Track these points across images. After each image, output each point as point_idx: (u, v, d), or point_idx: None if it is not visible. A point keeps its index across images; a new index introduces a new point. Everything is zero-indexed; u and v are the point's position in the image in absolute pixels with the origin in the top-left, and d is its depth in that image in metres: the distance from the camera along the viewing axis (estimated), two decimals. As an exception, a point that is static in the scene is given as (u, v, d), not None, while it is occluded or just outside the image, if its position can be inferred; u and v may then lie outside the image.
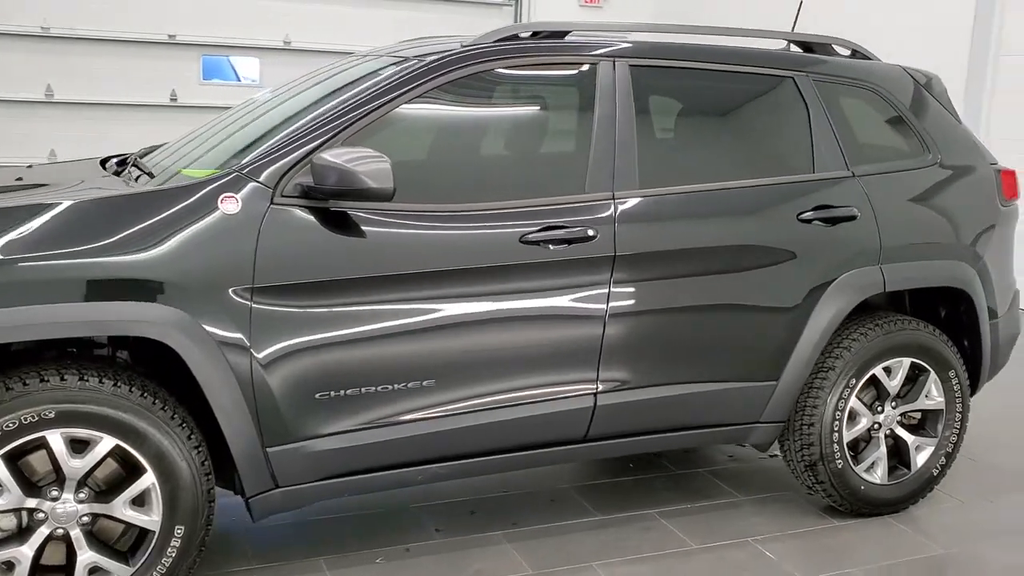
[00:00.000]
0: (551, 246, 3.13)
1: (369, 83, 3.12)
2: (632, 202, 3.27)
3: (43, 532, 2.71)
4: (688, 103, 3.61)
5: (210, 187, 2.84)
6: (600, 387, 3.30)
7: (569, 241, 3.15)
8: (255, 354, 2.81)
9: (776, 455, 4.04)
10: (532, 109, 3.42)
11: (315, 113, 3.05)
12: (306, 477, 2.99)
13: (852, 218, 3.59)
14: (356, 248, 2.92)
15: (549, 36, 3.38)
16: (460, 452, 3.18)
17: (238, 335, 2.79)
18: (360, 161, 2.76)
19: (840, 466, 3.68)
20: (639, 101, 3.36)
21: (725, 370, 3.49)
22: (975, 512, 3.94)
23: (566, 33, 3.40)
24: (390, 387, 3.01)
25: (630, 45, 3.42)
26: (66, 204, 2.76)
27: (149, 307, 2.70)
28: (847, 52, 3.95)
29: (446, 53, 3.17)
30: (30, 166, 3.74)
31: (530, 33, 3.37)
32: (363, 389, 2.98)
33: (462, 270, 3.04)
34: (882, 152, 3.77)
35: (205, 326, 2.74)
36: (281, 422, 2.90)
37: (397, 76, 3.10)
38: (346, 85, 3.27)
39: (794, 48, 3.92)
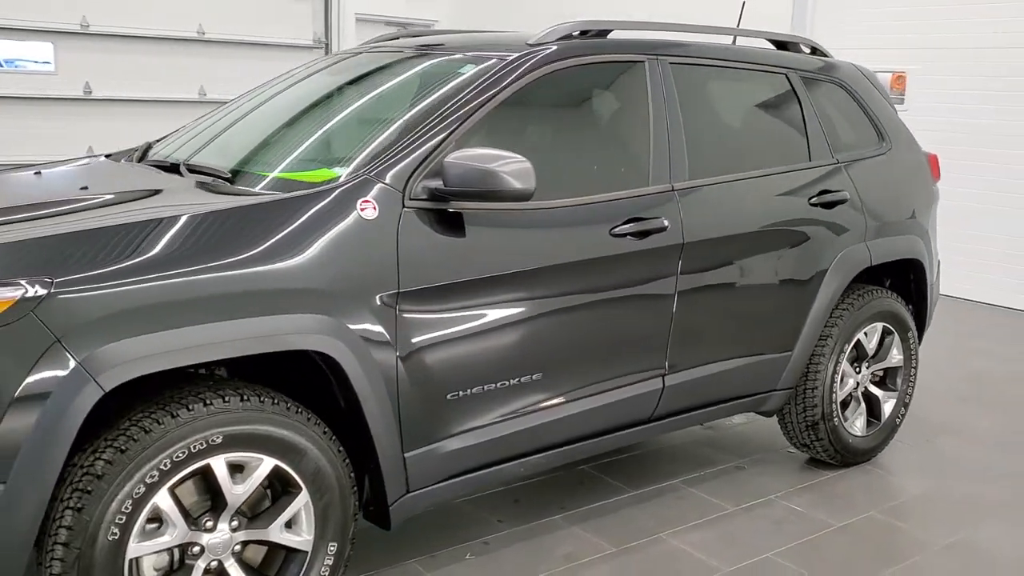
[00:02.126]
0: (633, 238, 3.28)
1: (463, 83, 3.11)
2: (689, 193, 3.49)
3: (200, 567, 2.55)
4: (712, 98, 3.86)
5: (342, 192, 2.75)
6: (667, 369, 3.50)
7: (649, 232, 3.32)
8: (400, 360, 2.77)
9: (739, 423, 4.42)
10: (602, 105, 3.53)
11: (415, 115, 3.01)
12: (433, 479, 2.98)
13: (845, 201, 4.00)
14: (478, 249, 2.93)
15: (596, 35, 3.51)
16: (560, 441, 3.28)
17: (386, 342, 2.74)
18: (500, 162, 2.77)
19: (836, 423, 4.12)
20: (680, 97, 3.57)
21: (757, 344, 3.80)
22: (924, 452, 4.53)
23: (608, 32, 3.54)
24: (506, 383, 3.06)
25: (669, 44, 3.62)
26: (186, 217, 2.57)
27: (311, 319, 2.59)
28: (807, 50, 4.36)
29: (533, 52, 3.22)
30: (39, 173, 3.35)
31: (579, 32, 3.48)
32: (485, 387, 3.01)
33: (564, 264, 3.13)
34: (852, 141, 4.22)
35: (358, 335, 2.67)
36: (419, 426, 2.87)
37: (491, 75, 3.11)
38: (410, 84, 3.25)
39: (768, 45, 4.28)
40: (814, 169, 3.97)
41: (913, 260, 4.33)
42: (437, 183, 2.83)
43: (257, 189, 2.85)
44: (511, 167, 2.77)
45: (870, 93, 4.38)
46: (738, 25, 4.62)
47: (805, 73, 4.10)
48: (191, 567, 2.54)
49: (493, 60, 3.21)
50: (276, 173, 2.99)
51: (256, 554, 2.70)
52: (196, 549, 2.53)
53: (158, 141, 3.89)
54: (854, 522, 3.77)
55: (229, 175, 3.01)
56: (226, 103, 4.00)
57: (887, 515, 3.85)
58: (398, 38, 4.19)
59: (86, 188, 2.92)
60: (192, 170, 3.12)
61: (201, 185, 2.94)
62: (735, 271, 3.64)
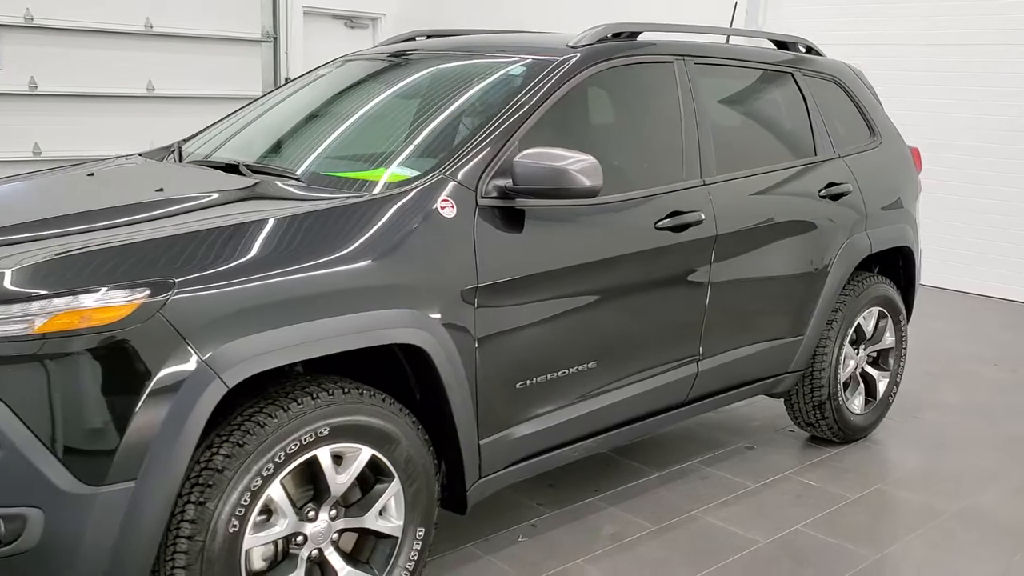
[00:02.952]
0: (674, 231, 3.45)
1: (520, 83, 3.23)
2: (718, 186, 3.67)
3: (304, 556, 2.63)
4: (730, 96, 4.05)
5: (422, 191, 2.85)
6: (701, 355, 3.69)
7: (687, 225, 3.49)
8: (478, 352, 2.89)
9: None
10: (639, 104, 3.66)
11: (480, 115, 3.12)
12: (502, 464, 3.11)
13: (848, 193, 4.25)
14: (541, 244, 3.06)
15: (628, 36, 3.66)
16: (610, 425, 3.44)
17: (467, 334, 2.85)
18: (569, 160, 2.90)
19: (840, 402, 4.37)
20: (704, 96, 3.76)
21: (775, 329, 4.02)
22: (912, 427, 4.83)
23: (638, 33, 3.70)
24: (566, 372, 3.20)
25: (693, 45, 3.80)
26: (287, 217, 2.64)
27: (404, 313, 2.69)
28: (803, 49, 4.59)
29: (581, 53, 3.34)
30: (91, 175, 3.35)
31: (611, 34, 3.63)
32: (548, 376, 3.14)
33: (616, 257, 3.28)
34: (849, 136, 4.46)
35: (444, 328, 2.78)
36: (493, 414, 3.00)
37: (546, 76, 3.23)
38: (461, 84, 3.36)
39: (769, 45, 4.49)
40: (820, 163, 4.20)
41: (904, 247, 4.60)
42: (506, 181, 2.95)
43: (333, 189, 2.93)
44: (581, 165, 2.89)
45: (861, 89, 4.64)
46: (731, 24, 4.84)
47: (807, 71, 4.33)
48: (295, 557, 2.62)
49: (545, 61, 3.32)
50: (346, 173, 3.07)
51: (348, 542, 2.79)
52: (300, 539, 2.62)
53: (188, 140, 3.92)
54: (866, 494, 4.02)
55: (298, 176, 3.08)
56: (255, 100, 4.03)
57: (895, 487, 4.11)
58: (414, 39, 4.27)
59: (161, 190, 2.96)
60: (256, 171, 3.17)
61: (277, 186, 3.00)
62: (758, 260, 3.84)
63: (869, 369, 4.59)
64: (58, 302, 2.24)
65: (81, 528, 2.24)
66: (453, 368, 2.81)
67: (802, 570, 3.37)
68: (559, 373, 3.17)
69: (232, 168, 3.25)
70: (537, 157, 2.91)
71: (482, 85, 3.33)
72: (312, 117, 3.59)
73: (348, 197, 2.81)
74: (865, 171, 4.40)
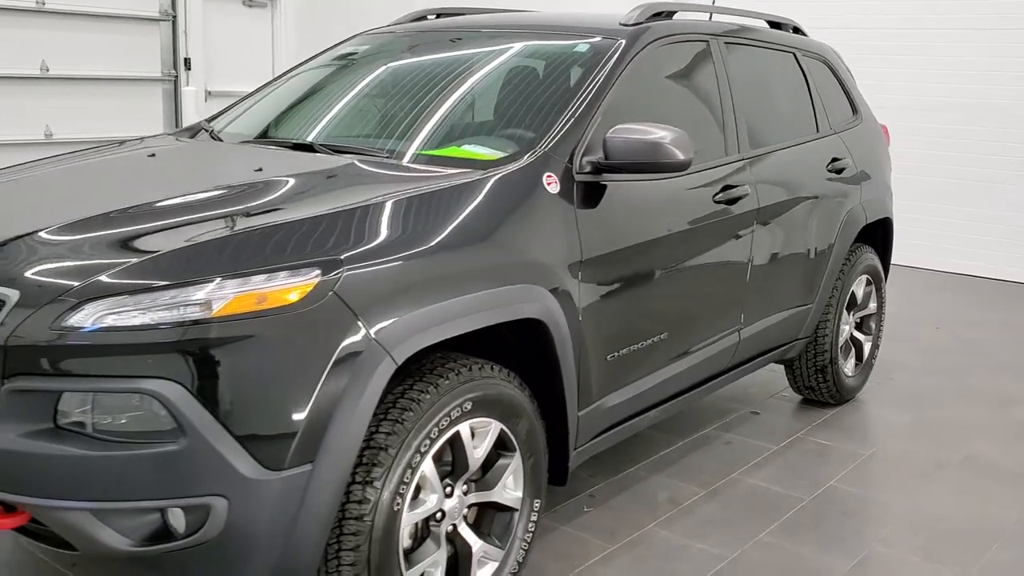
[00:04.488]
0: (727, 204, 3.59)
1: (593, 61, 3.28)
2: (756, 161, 3.83)
3: (443, 531, 2.64)
4: (752, 76, 4.20)
5: (530, 168, 2.87)
6: (742, 323, 3.85)
7: (737, 198, 3.64)
8: (582, 326, 2.95)
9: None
10: (686, 81, 3.75)
11: (566, 92, 3.16)
12: (592, 435, 3.18)
13: (847, 167, 4.49)
14: (626, 219, 3.14)
15: (666, 16, 3.76)
16: (674, 393, 3.55)
17: (574, 309, 2.90)
18: (662, 134, 2.97)
19: (838, 366, 4.63)
20: (736, 74, 3.91)
21: (793, 298, 4.22)
22: (891, 387, 5.16)
23: (674, 13, 3.81)
24: (644, 343, 3.29)
25: (723, 26, 3.94)
26: (410, 198, 2.63)
27: (530, 288, 2.73)
28: (791, 30, 4.80)
29: (640, 31, 3.41)
30: (152, 155, 3.20)
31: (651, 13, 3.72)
32: (631, 347, 3.23)
33: (684, 231, 3.39)
34: (839, 113, 4.71)
35: (558, 303, 2.82)
36: (589, 386, 3.06)
37: (614, 53, 3.29)
38: (528, 62, 3.39)
39: (763, 24, 4.68)
40: (824, 139, 4.42)
41: (887, 218, 4.90)
42: (597, 157, 3.00)
43: (431, 168, 2.91)
44: (674, 138, 2.97)
45: (844, 69, 4.89)
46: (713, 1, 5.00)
47: (804, 52, 4.54)
48: (435, 534, 2.62)
49: (610, 40, 3.38)
50: (440, 151, 3.05)
51: (471, 516, 2.80)
52: (439, 515, 2.62)
53: (213, 120, 3.79)
54: (877, 450, 4.29)
55: (385, 155, 3.04)
56: (280, 78, 3.94)
57: (899, 442, 4.40)
58: (425, 17, 4.25)
59: (261, 170, 2.87)
60: (336, 150, 3.11)
61: (377, 165, 2.96)
62: (785, 232, 4.03)
63: (856, 333, 4.87)
64: (234, 284, 2.17)
65: (261, 516, 2.19)
66: (564, 343, 2.85)
67: (851, 522, 3.58)
68: (639, 344, 3.26)
69: (305, 147, 3.18)
70: (629, 132, 2.97)
71: (552, 64, 3.37)
72: (368, 95, 3.53)
73: (464, 174, 2.80)
74: (855, 146, 4.65)
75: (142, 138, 3.68)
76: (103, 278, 2.18)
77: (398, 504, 2.41)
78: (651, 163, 2.97)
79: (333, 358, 2.23)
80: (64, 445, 2.10)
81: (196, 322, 2.12)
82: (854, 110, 4.84)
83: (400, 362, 2.34)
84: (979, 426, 4.62)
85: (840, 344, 4.63)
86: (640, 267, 3.18)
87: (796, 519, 3.58)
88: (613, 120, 3.10)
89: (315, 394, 2.21)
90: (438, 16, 4.28)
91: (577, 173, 2.97)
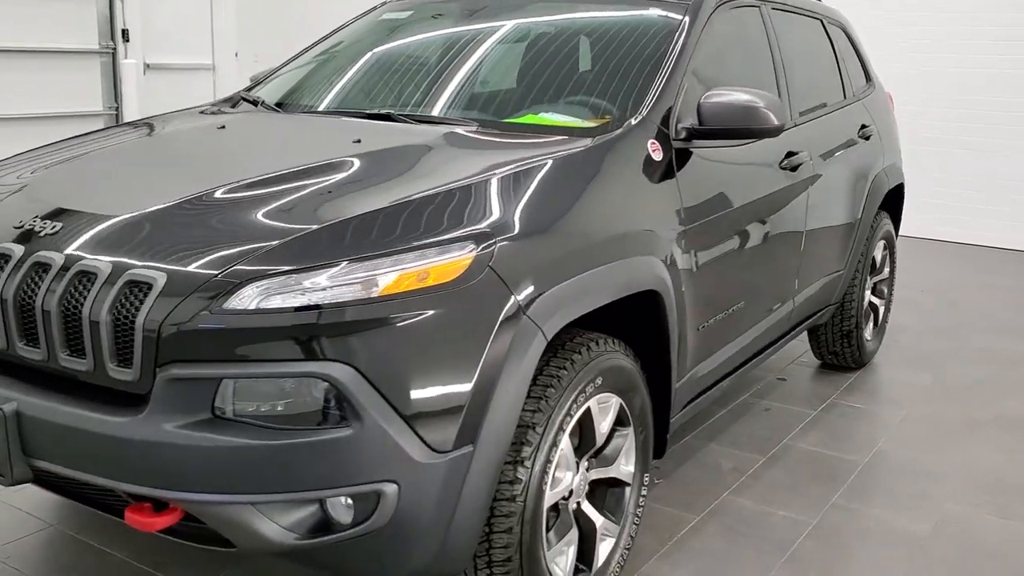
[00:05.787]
0: (791, 171, 3.58)
1: (672, 27, 3.21)
2: (805, 128, 3.83)
3: (571, 508, 2.59)
4: (792, 42, 4.19)
5: (634, 136, 2.81)
6: (796, 291, 3.87)
7: (799, 165, 3.64)
8: (683, 297, 2.90)
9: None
10: (744, 46, 3.69)
11: (653, 58, 3.09)
12: (681, 406, 3.14)
13: (872, 134, 4.54)
14: (715, 186, 3.11)
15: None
16: (743, 361, 3.54)
17: (678, 279, 2.85)
18: (757, 99, 2.93)
19: (863, 330, 4.70)
20: (780, 40, 3.90)
21: (831, 264, 4.26)
22: (899, 349, 5.26)
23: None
24: (727, 312, 3.27)
25: (766, -9, 3.92)
26: (529, 169, 2.53)
27: (649, 259, 2.67)
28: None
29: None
30: (223, 127, 3.01)
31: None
32: (717, 317, 3.20)
33: (760, 199, 3.37)
34: (858, 80, 4.75)
35: (669, 273, 2.77)
36: (686, 357, 3.03)
37: (692, 18, 3.23)
38: (602, 27, 3.31)
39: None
40: (851, 105, 4.46)
41: (901, 184, 4.98)
42: (691, 122, 2.95)
43: (531, 136, 2.82)
44: (768, 103, 2.93)
45: (857, 37, 4.93)
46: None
47: (828, 19, 4.56)
48: (564, 512, 2.56)
49: (682, 5, 3.31)
50: (522, 119, 2.96)
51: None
52: (568, 492, 2.56)
53: (251, 90, 3.62)
54: (910, 412, 4.37)
55: (477, 124, 2.94)
56: (316, 47, 3.77)
57: (928, 404, 4.48)
58: None
59: (359, 141, 2.73)
60: (418, 120, 3.00)
61: (475, 135, 2.85)
62: (831, 199, 4.05)
63: (872, 298, 4.95)
64: (397, 261, 2.07)
65: (428, 501, 2.10)
66: (673, 312, 2.81)
67: (913, 483, 3.64)
68: (723, 314, 3.24)
69: (380, 117, 3.05)
70: (723, 96, 2.92)
71: (625, 29, 3.29)
72: (432, 63, 3.39)
73: (568, 142, 2.71)
74: (875, 113, 4.70)
75: (182, 110, 3.49)
76: (259, 257, 2.05)
77: (545, 483, 2.34)
78: (746, 128, 2.93)
79: (492, 335, 2.14)
80: (227, 435, 1.96)
81: (363, 301, 2.01)
82: (867, 77, 4.89)
83: (550, 337, 2.26)
84: (999, 385, 4.76)
85: (864, 309, 4.70)
86: (725, 236, 3.15)
87: (860, 482, 3.62)
88: (696, 85, 3.05)
89: (477, 373, 2.12)
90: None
91: (674, 140, 2.91)
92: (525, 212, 2.33)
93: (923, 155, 8.33)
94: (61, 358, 2.11)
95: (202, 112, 3.40)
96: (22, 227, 2.29)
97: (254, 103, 3.45)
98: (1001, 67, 8.13)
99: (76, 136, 3.12)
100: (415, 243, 2.11)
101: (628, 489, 2.79)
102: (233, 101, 3.56)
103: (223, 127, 3.01)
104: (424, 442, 2.06)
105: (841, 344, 4.68)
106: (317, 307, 1.98)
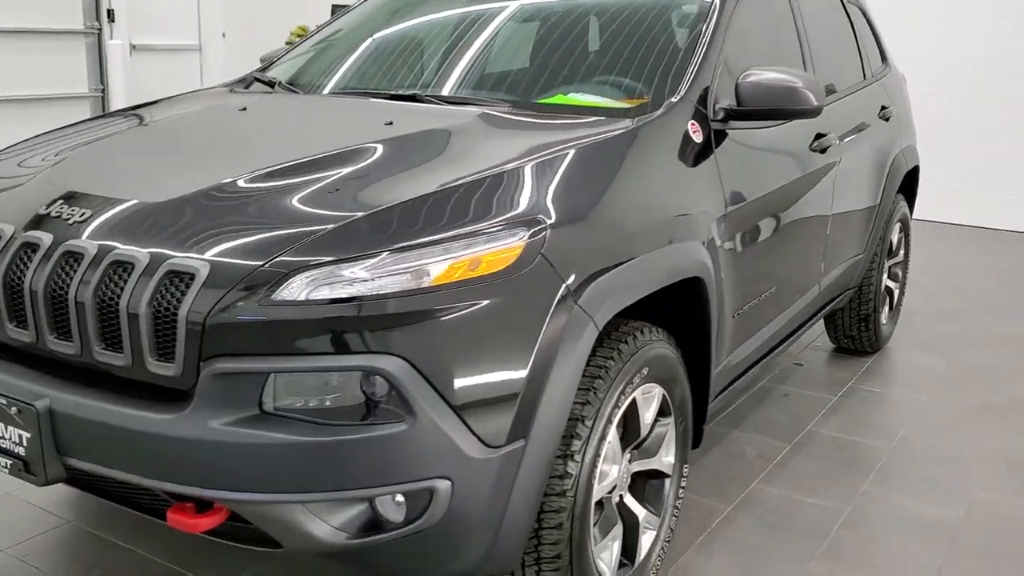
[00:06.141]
0: (820, 152, 3.51)
1: (704, 7, 3.12)
2: (831, 109, 3.75)
3: (614, 501, 2.52)
4: (814, 20, 4.10)
5: (674, 116, 2.73)
6: (822, 273, 3.80)
7: (828, 147, 3.56)
8: (722, 283, 2.83)
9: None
10: (771, 25, 3.61)
11: (688, 38, 3.01)
12: (715, 394, 3.08)
13: (892, 115, 4.48)
14: (752, 169, 3.03)
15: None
16: (771, 348, 3.48)
17: (718, 265, 2.77)
18: (794, 79, 2.85)
19: (879, 314, 4.65)
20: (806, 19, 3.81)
21: (852, 248, 4.20)
22: (911, 332, 5.22)
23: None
24: (760, 298, 3.20)
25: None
26: (573, 152, 2.45)
27: (694, 245, 2.60)
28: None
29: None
30: (244, 109, 2.90)
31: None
32: (751, 303, 3.13)
33: (794, 181, 3.30)
34: (875, 60, 4.68)
35: (710, 258, 2.70)
36: (722, 345, 2.96)
37: None
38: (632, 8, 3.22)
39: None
40: (871, 85, 4.39)
41: (917, 166, 4.92)
42: (728, 103, 2.87)
43: (564, 116, 2.74)
44: (807, 83, 2.85)
45: (872, 16, 4.86)
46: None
47: (844, -4, 4.48)
48: (607, 505, 2.49)
49: None
50: (553, 99, 2.87)
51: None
52: (612, 485, 2.49)
53: (265, 71, 3.51)
54: (932, 396, 4.33)
55: (508, 105, 2.85)
56: (330, 26, 3.66)
57: (945, 388, 4.44)
58: None
59: (391, 124, 2.63)
60: (445, 100, 2.90)
61: (509, 115, 2.76)
62: (855, 181, 3.99)
63: (887, 281, 4.90)
64: (449, 248, 1.98)
65: (481, 498, 2.02)
66: (715, 299, 2.74)
67: (939, 468, 3.59)
68: (756, 300, 3.17)
69: (406, 98, 2.95)
70: (762, 77, 2.84)
71: (659, 6, 3.19)
72: (454, 42, 3.28)
73: (606, 123, 2.63)
74: (892, 94, 4.64)
75: (198, 90, 3.37)
76: (306, 247, 1.96)
77: (594, 477, 2.27)
78: (784, 109, 2.86)
79: (544, 326, 2.07)
80: (276, 432, 1.88)
81: (414, 291, 1.92)
82: (883, 57, 4.82)
83: (601, 327, 2.18)
84: (1011, 368, 4.73)
85: (881, 293, 4.65)
86: (760, 220, 3.08)
87: (887, 469, 3.57)
88: (730, 65, 2.97)
89: (530, 365, 2.04)
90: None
91: (712, 120, 2.83)
92: (573, 196, 2.25)
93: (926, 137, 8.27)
94: (96, 352, 2.01)
95: (217, 93, 3.29)
96: (47, 214, 2.18)
97: (270, 84, 3.34)
98: (1012, 47, 8.05)
99: (89, 119, 3.01)
100: (465, 230, 2.03)
101: (668, 480, 2.72)
102: (246, 82, 3.45)
103: (244, 109, 2.91)
104: (477, 437, 1.98)
105: (858, 328, 4.63)
106: (367, 298, 1.90)
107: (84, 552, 2.85)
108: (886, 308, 4.84)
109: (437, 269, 1.95)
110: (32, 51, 9.69)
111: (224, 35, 11.20)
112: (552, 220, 2.13)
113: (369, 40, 3.48)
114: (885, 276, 4.75)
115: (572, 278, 2.13)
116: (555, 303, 2.08)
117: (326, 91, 3.20)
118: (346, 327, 1.88)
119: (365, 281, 1.91)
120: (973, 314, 5.64)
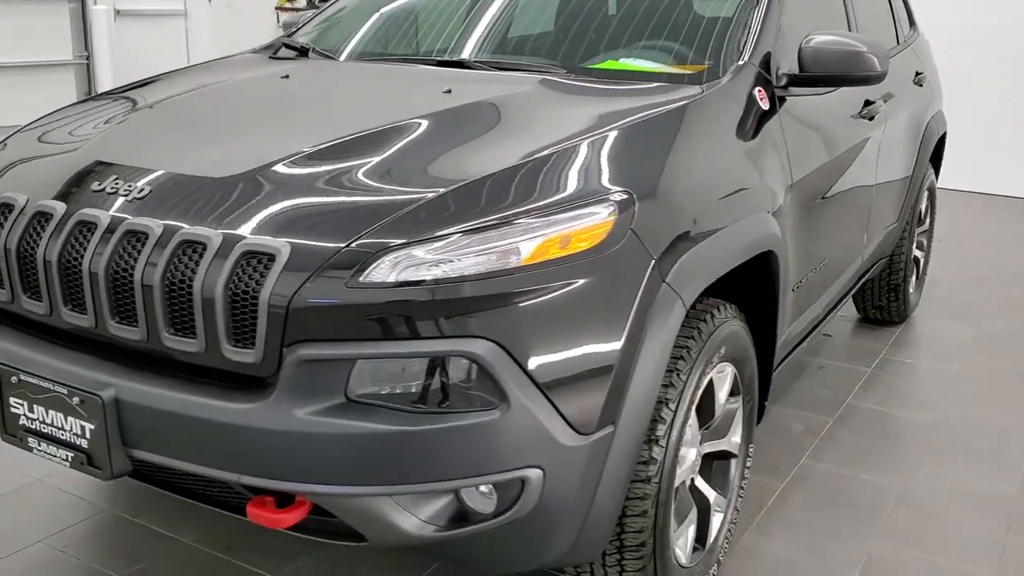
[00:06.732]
0: (868, 120, 3.42)
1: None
2: (876, 76, 3.65)
3: (686, 484, 2.43)
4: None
5: (740, 81, 2.61)
6: (865, 243, 3.72)
7: (875, 115, 3.47)
8: (788, 256, 2.73)
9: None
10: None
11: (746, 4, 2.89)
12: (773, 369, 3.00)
13: (925, 81, 4.38)
14: (812, 137, 2.94)
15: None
16: (820, 319, 3.40)
17: (784, 236, 2.68)
18: (859, 44, 2.74)
19: (908, 284, 4.59)
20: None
21: (889, 217, 4.11)
22: (935, 302, 5.15)
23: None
24: (816, 270, 3.11)
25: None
26: (652, 120, 2.33)
27: (766, 219, 2.50)
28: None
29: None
30: (287, 77, 2.76)
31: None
32: (807, 275, 3.04)
33: (849, 149, 3.21)
34: (905, 25, 4.58)
35: (780, 233, 2.60)
36: (785, 319, 2.86)
37: None
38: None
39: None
40: (904, 51, 4.28)
41: (945, 132, 4.83)
42: (790, 69, 2.76)
43: (624, 82, 2.62)
44: (871, 47, 2.74)
45: (899, -21, 4.75)
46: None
47: (876, -38, 4.36)
48: (680, 487, 2.40)
49: None
50: (608, 64, 2.75)
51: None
52: (690, 470, 2.40)
53: (291, 35, 3.37)
54: (963, 368, 4.27)
55: (564, 71, 2.72)
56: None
57: (978, 359, 4.38)
58: None
59: (449, 92, 2.50)
60: (496, 66, 2.78)
61: (569, 81, 2.64)
62: (895, 149, 3.90)
63: (915, 251, 4.83)
64: (539, 226, 1.87)
65: (571, 487, 1.93)
66: (783, 272, 2.64)
67: (987, 441, 3.54)
68: (812, 272, 3.08)
69: (454, 64, 2.82)
70: (826, 41, 2.73)
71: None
72: (490, 4, 3.15)
73: (672, 89, 2.51)
74: (921, 58, 4.54)
75: (223, 58, 3.22)
76: (389, 226, 1.84)
77: (676, 462, 2.18)
78: (849, 75, 2.74)
79: (635, 306, 1.97)
80: (365, 422, 1.77)
81: (505, 271, 1.81)
82: (911, 21, 4.72)
83: (689, 306, 2.08)
84: (1043, 338, 4.69)
85: (910, 263, 4.58)
86: (820, 190, 2.99)
87: (933, 442, 3.52)
88: (783, 29, 2.86)
89: (620, 348, 1.94)
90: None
91: (775, 87, 2.72)
92: (657, 168, 2.15)
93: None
94: (164, 338, 1.89)
95: (251, 60, 3.14)
96: (103, 190, 2.05)
97: (302, 51, 3.19)
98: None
99: (123, 88, 2.86)
100: (553, 206, 1.92)
101: (734, 461, 2.64)
102: (274, 48, 3.30)
103: (287, 77, 2.76)
104: (569, 424, 1.89)
105: (888, 298, 4.56)
106: (457, 279, 1.78)
107: (125, 541, 2.74)
108: (913, 278, 4.77)
109: (527, 248, 1.84)
110: (14, 16, 9.40)
111: (210, 1, 10.92)
112: (640, 193, 2.02)
113: (396, 4, 3.32)
114: (915, 244, 4.68)
115: (661, 255, 2.02)
116: (644, 282, 1.98)
117: (364, 57, 3.05)
118: (433, 310, 1.77)
119: (453, 261, 1.80)
120: (997, 281, 5.59)
